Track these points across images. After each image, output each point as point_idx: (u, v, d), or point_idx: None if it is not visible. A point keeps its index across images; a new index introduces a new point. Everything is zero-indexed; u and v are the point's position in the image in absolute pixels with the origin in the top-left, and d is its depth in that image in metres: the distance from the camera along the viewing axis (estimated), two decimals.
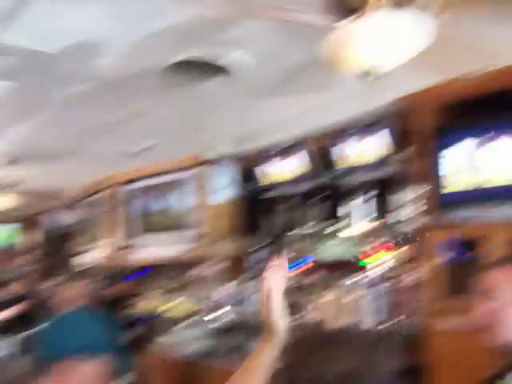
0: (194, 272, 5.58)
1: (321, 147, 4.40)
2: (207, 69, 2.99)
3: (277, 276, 1.28)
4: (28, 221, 9.55)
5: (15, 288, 6.27)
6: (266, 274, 1.29)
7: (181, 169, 5.49)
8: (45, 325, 1.57)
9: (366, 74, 2.30)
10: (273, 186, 4.83)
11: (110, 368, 1.47)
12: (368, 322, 3.79)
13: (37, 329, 2.76)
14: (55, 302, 5.73)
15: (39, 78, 3.20)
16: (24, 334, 3.57)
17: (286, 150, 4.58)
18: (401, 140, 3.77)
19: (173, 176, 5.62)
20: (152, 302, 6.33)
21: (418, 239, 3.68)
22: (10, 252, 10.22)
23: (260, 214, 5.04)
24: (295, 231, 4.77)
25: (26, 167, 5.53)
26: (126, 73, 3.07)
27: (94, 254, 6.85)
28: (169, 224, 5.66)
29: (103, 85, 3.29)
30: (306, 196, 4.64)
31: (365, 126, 3.92)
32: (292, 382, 0.80)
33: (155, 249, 5.79)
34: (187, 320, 5.52)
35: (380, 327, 3.71)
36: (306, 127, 4.25)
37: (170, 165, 5.52)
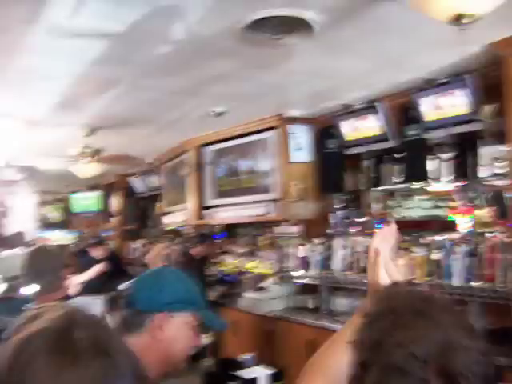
0: (277, 232, 5.65)
1: (404, 102, 4.26)
2: (285, 26, 2.94)
3: (385, 238, 1.26)
4: (113, 187, 9.94)
5: (105, 249, 6.58)
6: (374, 236, 1.28)
7: (260, 130, 5.48)
8: (137, 280, 1.60)
9: (458, 18, 2.18)
10: (356, 143, 4.74)
11: (200, 322, 1.51)
12: (456, 280, 3.71)
13: (127, 286, 2.80)
14: (143, 262, 6.03)
15: (118, 47, 3.27)
16: (114, 292, 3.76)
17: (368, 107, 4.46)
18: (489, 93, 3.55)
19: (252, 137, 5.62)
20: (236, 261, 6.49)
21: (506, 197, 3.52)
22: (97, 216, 10.77)
23: (342, 172, 4.98)
24: (380, 189, 4.70)
25: (107, 136, 5.72)
26: (205, 34, 3.07)
27: (178, 216, 7.06)
28: (249, 185, 5.70)
29: (181, 49, 3.30)
30: (390, 153, 4.53)
31: (450, 79, 3.72)
32: (386, 350, 0.76)
33: (236, 210, 5.88)
34: (271, 278, 5.64)
35: (469, 286, 3.62)
36: (388, 82, 4.11)
37: (249, 126, 5.52)
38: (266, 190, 5.49)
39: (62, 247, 5.89)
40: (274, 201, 5.35)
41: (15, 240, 5.92)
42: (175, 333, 1.45)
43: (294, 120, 5.18)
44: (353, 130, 4.66)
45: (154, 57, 3.46)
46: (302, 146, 5.21)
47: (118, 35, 3.04)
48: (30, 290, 3.81)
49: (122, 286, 3.01)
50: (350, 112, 4.62)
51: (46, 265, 2.52)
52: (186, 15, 2.80)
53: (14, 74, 3.76)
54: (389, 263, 1.22)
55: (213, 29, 3.00)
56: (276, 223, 5.61)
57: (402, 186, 4.46)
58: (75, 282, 3.59)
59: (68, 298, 2.42)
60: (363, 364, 0.79)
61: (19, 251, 3.74)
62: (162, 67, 3.69)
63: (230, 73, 3.82)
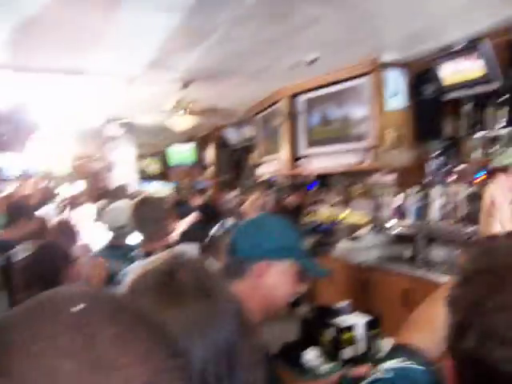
0: (371, 181, 5.55)
1: (509, 40, 3.94)
2: None
3: (502, 188, 1.20)
4: (207, 139, 10.16)
5: (200, 199, 6.79)
6: (490, 185, 1.21)
7: (353, 76, 5.32)
8: (239, 228, 1.62)
9: None
10: (455, 87, 4.47)
11: (300, 269, 1.51)
12: None
13: (217, 231, 2.89)
14: (239, 212, 6.18)
15: (205, 1, 3.27)
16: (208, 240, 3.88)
17: (469, 47, 4.16)
18: None
19: (345, 84, 5.47)
20: (330, 210, 6.49)
21: None
22: (193, 168, 11.11)
23: (439, 118, 4.75)
24: (480, 135, 4.44)
25: (201, 89, 5.81)
26: None
27: (271, 166, 7.12)
28: (343, 133, 5.60)
29: None
30: (493, 96, 4.23)
31: None
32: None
33: (330, 159, 5.82)
34: (365, 227, 5.59)
35: None
36: (491, 19, 3.80)
37: (342, 73, 5.36)
38: (359, 139, 5.37)
39: (163, 198, 6.14)
40: (368, 149, 5.23)
41: (119, 192, 6.27)
42: (276, 280, 1.46)
43: (388, 65, 4.96)
44: (452, 72, 4.39)
45: (245, 6, 3.43)
46: (397, 91, 5.00)
47: None
48: (134, 238, 4.06)
49: (212, 232, 3.10)
50: (449, 53, 4.35)
51: (150, 215, 2.63)
52: None
53: (112, 33, 3.89)
54: (504, 214, 1.15)
55: None
56: (370, 172, 5.50)
57: (506, 131, 4.18)
58: (175, 231, 3.75)
59: (169, 246, 2.54)
60: (459, 325, 0.73)
61: (123, 203, 3.94)
62: (253, 16, 3.66)
63: (322, 18, 3.71)
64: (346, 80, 5.41)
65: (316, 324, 2.40)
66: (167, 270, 0.88)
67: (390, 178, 5.20)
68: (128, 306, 0.50)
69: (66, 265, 2.79)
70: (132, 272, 2.32)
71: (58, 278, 2.75)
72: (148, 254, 2.51)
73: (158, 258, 0.96)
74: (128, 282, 0.91)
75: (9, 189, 12.68)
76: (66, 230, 4.17)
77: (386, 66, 4.96)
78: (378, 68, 4.98)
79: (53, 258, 2.76)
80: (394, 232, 5.21)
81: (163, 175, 13.03)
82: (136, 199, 2.83)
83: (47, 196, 7.64)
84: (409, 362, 0.94)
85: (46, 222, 4.51)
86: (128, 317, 0.46)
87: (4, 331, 0.42)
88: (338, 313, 2.50)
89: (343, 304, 2.62)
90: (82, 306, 0.44)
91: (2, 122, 5.16)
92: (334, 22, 3.84)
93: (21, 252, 3.52)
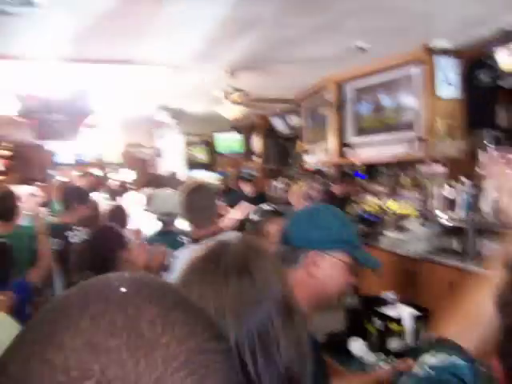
0: (421, 171, 5.44)
1: None
2: None
3: None
4: (255, 127, 10.17)
5: (247, 188, 6.82)
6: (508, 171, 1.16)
7: (404, 64, 5.20)
8: (293, 217, 1.61)
9: None
10: (510, 74, 4.32)
11: (350, 259, 1.49)
12: None
13: (262, 220, 2.86)
14: (286, 200, 6.18)
15: None
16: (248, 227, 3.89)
17: None
18: None
19: (396, 72, 5.36)
20: (377, 200, 6.41)
21: None
22: (240, 156, 11.17)
23: (495, 107, 4.60)
24: None
25: (249, 77, 5.82)
26: None
27: (319, 155, 7.08)
28: (393, 122, 5.50)
29: None
30: None
31: None
32: None
33: (379, 148, 5.74)
34: (414, 218, 5.49)
35: None
36: None
37: (393, 60, 5.25)
38: (410, 128, 5.26)
39: (213, 186, 6.22)
40: (419, 139, 5.12)
41: (168, 179, 6.38)
42: (329, 270, 1.45)
43: (441, 52, 4.82)
44: (510, 58, 4.24)
45: None
46: (450, 79, 4.87)
47: None
48: (184, 224, 4.13)
49: (250, 217, 3.09)
50: (505, 38, 4.19)
51: (201, 201, 2.66)
52: None
53: (162, 22, 3.95)
54: None
55: None
56: (420, 162, 5.39)
57: None
58: (229, 217, 3.77)
59: (216, 233, 2.56)
60: (508, 330, 0.69)
61: (171, 190, 4.03)
62: (302, 3, 3.63)
63: (372, 4, 3.65)
64: (397, 68, 5.31)
65: (362, 314, 2.39)
66: (213, 254, 0.91)
67: (441, 168, 5.08)
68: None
69: (121, 248, 2.90)
70: (181, 257, 2.36)
71: (113, 261, 2.85)
72: (196, 241, 2.54)
73: (207, 244, 0.99)
74: (179, 267, 0.96)
75: (62, 175, 13.09)
76: (119, 216, 4.29)
77: (438, 53, 4.83)
78: (430, 55, 4.86)
79: (109, 241, 2.84)
80: (444, 224, 5.10)
81: (210, 163, 13.16)
82: (187, 185, 2.86)
83: (99, 182, 7.86)
84: (452, 358, 0.93)
85: (98, 207, 4.65)
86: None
87: (57, 309, 0.46)
88: (384, 304, 2.48)
89: (390, 295, 2.59)
90: (127, 287, 0.48)
91: (55, 111, 5.33)
92: (385, 8, 3.76)
93: (76, 235, 3.65)
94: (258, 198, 6.26)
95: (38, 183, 7.77)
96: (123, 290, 0.47)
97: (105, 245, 2.81)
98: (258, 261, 0.91)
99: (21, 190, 5.04)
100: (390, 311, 2.31)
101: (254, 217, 2.59)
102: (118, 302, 0.46)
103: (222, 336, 0.51)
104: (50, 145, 5.74)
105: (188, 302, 0.51)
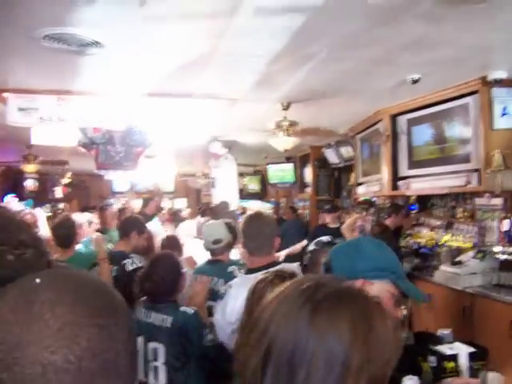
0: (477, 203, 5.31)
1: None
2: None
3: None
4: (308, 158, 10.21)
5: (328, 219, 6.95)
6: None
7: (458, 95, 5.14)
8: (335, 249, 1.61)
9: None
10: None
11: (398, 292, 1.48)
12: None
13: (321, 251, 2.87)
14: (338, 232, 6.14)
15: (315, 22, 3.34)
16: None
17: None
18: None
19: (450, 103, 5.29)
20: (432, 233, 6.28)
21: None
22: (292, 187, 11.21)
23: None
24: None
25: (303, 109, 5.88)
26: (398, 2, 2.99)
27: (371, 186, 7.03)
28: (448, 154, 5.40)
29: (376, 17, 3.26)
30: None
31: None
32: None
33: (433, 180, 5.64)
34: (470, 252, 5.34)
35: None
36: None
37: (447, 92, 5.20)
38: (465, 159, 5.16)
39: (271, 215, 6.32)
40: (475, 170, 5.01)
41: (220, 209, 6.47)
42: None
43: (498, 82, 4.73)
44: None
45: (349, 28, 3.47)
46: (507, 110, 4.77)
47: (315, 9, 3.12)
48: (234, 254, 4.17)
49: (309, 250, 3.09)
50: None
51: (261, 230, 2.68)
52: None
53: (219, 57, 4.08)
54: None
55: None
56: (476, 194, 5.27)
57: None
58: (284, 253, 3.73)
59: (272, 264, 2.56)
60: None
61: (222, 219, 4.08)
62: (356, 37, 3.68)
63: (427, 37, 3.66)
64: (451, 99, 5.25)
65: (416, 351, 2.33)
66: (309, 289, 0.89)
67: (499, 200, 4.94)
68: (81, 281, 0.71)
69: (179, 275, 2.98)
70: (236, 286, 2.39)
71: (172, 288, 2.92)
72: (251, 270, 2.55)
73: (267, 273, 0.99)
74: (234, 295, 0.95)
75: (119, 203, 13.46)
76: (174, 244, 4.39)
77: (495, 83, 4.75)
78: (486, 86, 4.79)
79: (168, 268, 2.94)
80: (501, 258, 4.93)
81: (262, 193, 13.28)
82: (247, 214, 2.90)
83: (154, 211, 8.06)
84: None
85: (154, 235, 4.77)
86: (70, 287, 0.67)
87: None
88: (439, 340, 2.41)
89: (445, 331, 2.52)
90: (42, 279, 0.67)
91: (117, 143, 5.56)
92: (439, 41, 3.76)
93: (133, 263, 3.75)
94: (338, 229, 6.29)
95: (96, 211, 8.05)
96: (37, 280, 0.67)
97: (165, 271, 2.90)
98: (351, 303, 0.89)
99: (80, 218, 5.25)
100: (445, 349, 2.25)
101: (312, 248, 2.60)
102: (27, 289, 0.65)
103: (107, 314, 0.67)
104: (108, 175, 5.96)
105: (88, 290, 0.69)
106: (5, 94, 5.00)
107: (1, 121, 5.36)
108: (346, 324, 0.83)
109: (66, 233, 4.09)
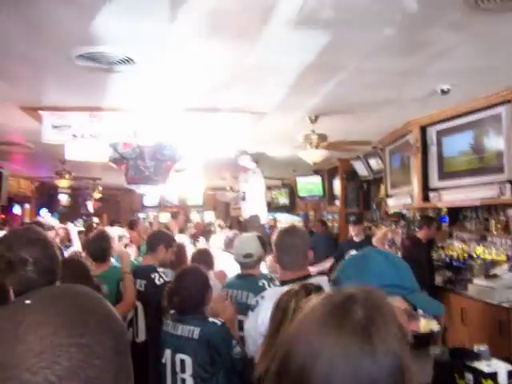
0: (510, 215, 5.20)
1: None
2: None
3: None
4: (337, 170, 10.16)
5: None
6: None
7: (490, 105, 5.06)
8: (343, 263, 1.56)
9: None
10: None
11: (410, 306, 1.42)
12: None
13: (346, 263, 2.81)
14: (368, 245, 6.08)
15: (342, 34, 3.34)
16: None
17: None
18: None
19: (481, 114, 5.21)
20: (464, 245, 6.17)
21: None
22: (321, 200, 11.16)
23: None
24: None
25: (331, 121, 5.87)
26: (430, 9, 2.97)
27: (401, 199, 6.95)
28: (479, 165, 5.30)
29: (404, 28, 3.25)
30: None
31: None
32: None
33: (465, 191, 5.53)
34: (505, 264, 5.23)
35: None
36: None
37: (479, 102, 5.13)
38: (498, 170, 5.05)
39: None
40: (509, 182, 4.91)
41: (250, 222, 6.48)
42: None
43: None
44: None
45: (376, 39, 3.46)
46: None
47: (343, 21, 3.12)
48: (264, 267, 4.15)
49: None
50: None
51: (294, 243, 2.68)
52: None
53: (248, 71, 4.12)
54: None
55: (438, 3, 2.88)
56: (510, 206, 5.16)
57: None
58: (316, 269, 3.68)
59: (303, 277, 2.54)
60: None
61: (252, 233, 4.08)
62: (385, 49, 3.66)
63: (458, 47, 3.62)
64: (482, 109, 5.17)
65: (452, 367, 2.29)
66: (340, 304, 0.88)
67: None
68: (72, 302, 0.73)
69: (206, 289, 2.98)
70: (268, 299, 2.38)
71: (200, 301, 2.92)
72: (284, 283, 2.54)
73: (293, 286, 0.97)
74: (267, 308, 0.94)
75: (148, 217, 13.58)
76: (205, 258, 4.41)
77: None
78: None
79: (194, 282, 2.95)
80: None
81: (291, 206, 13.26)
82: (281, 228, 2.90)
83: (183, 225, 8.12)
84: None
85: (182, 249, 4.80)
86: (59, 309, 0.70)
87: None
88: (476, 357, 2.36)
89: (482, 347, 2.47)
90: (32, 301, 0.70)
91: (147, 158, 5.63)
92: (470, 50, 3.72)
93: (162, 277, 3.77)
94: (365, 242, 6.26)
95: (125, 225, 8.15)
96: (27, 302, 0.70)
97: (193, 285, 2.91)
98: (385, 316, 0.88)
99: (111, 232, 5.33)
100: (483, 366, 2.19)
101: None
102: (16, 311, 0.69)
103: (91, 333, 0.69)
104: (139, 189, 6.05)
105: (76, 310, 0.71)
106: (40, 112, 5.14)
107: (36, 138, 5.50)
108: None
109: (100, 247, 4.15)
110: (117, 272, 3.86)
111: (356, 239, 6.93)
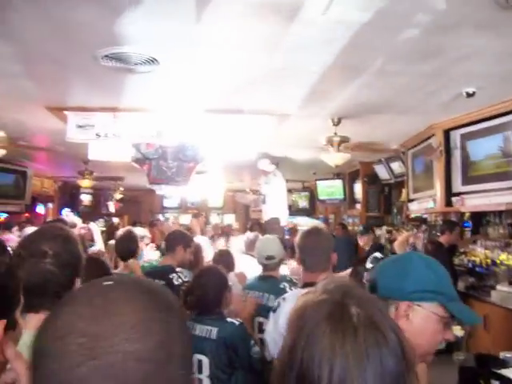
0: None
1: None
2: None
3: None
4: (358, 174, 10.10)
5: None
6: None
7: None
8: (382, 265, 1.54)
9: None
10: None
11: (447, 314, 1.40)
12: None
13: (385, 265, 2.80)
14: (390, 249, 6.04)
15: (365, 36, 3.32)
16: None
17: None
18: None
19: (508, 117, 5.12)
20: (488, 251, 6.08)
21: None
22: (341, 203, 11.10)
23: None
24: None
25: (354, 124, 5.84)
26: (455, 10, 2.93)
27: (424, 203, 6.87)
28: (505, 169, 5.20)
29: (428, 29, 3.21)
30: None
31: None
32: None
33: (490, 196, 5.44)
34: None
35: None
36: None
37: (505, 105, 5.03)
38: None
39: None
40: None
41: (272, 224, 6.48)
42: (422, 324, 1.36)
43: None
44: None
45: (400, 41, 3.42)
46: None
47: (364, 23, 3.10)
48: (285, 270, 4.14)
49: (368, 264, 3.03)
50: None
51: (318, 245, 2.65)
52: None
53: (270, 72, 4.11)
54: None
55: (466, 2, 2.84)
56: None
57: None
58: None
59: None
60: None
61: (273, 235, 4.08)
62: (408, 51, 3.62)
63: (485, 49, 3.56)
64: (507, 113, 5.08)
65: (478, 374, 2.25)
66: (339, 301, 0.91)
67: None
68: (143, 285, 0.79)
69: (223, 289, 2.96)
70: (290, 300, 2.37)
71: (216, 301, 2.90)
72: (306, 285, 2.52)
73: (319, 288, 0.99)
74: (297, 308, 0.97)
75: (168, 218, 13.66)
76: (226, 259, 4.41)
77: None
78: None
79: (212, 282, 2.93)
80: None
81: (311, 210, 13.21)
82: (305, 229, 2.87)
83: (202, 226, 8.14)
84: None
85: (199, 249, 4.81)
86: (137, 288, 0.76)
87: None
88: (502, 363, 2.31)
89: (508, 354, 2.42)
90: (111, 281, 0.77)
91: (170, 158, 5.66)
92: (498, 52, 3.66)
93: (180, 278, 3.78)
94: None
95: (146, 226, 8.21)
96: (107, 283, 0.76)
97: (209, 286, 2.90)
98: (384, 315, 0.92)
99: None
100: (510, 373, 2.14)
101: (369, 265, 2.55)
102: (101, 289, 0.74)
103: (171, 312, 0.75)
104: (161, 189, 6.09)
105: (152, 291, 0.77)
106: (65, 112, 5.20)
107: (60, 137, 5.57)
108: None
109: (127, 246, 4.20)
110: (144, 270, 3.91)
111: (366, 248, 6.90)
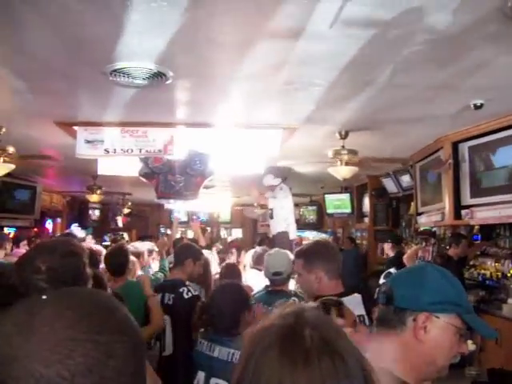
0: None
1: None
2: None
3: None
4: (366, 187, 10.07)
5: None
6: None
7: None
8: (397, 276, 1.55)
9: None
10: None
11: (464, 326, 1.39)
12: None
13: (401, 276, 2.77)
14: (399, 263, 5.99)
15: (372, 48, 3.32)
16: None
17: None
18: None
19: None
20: (498, 264, 6.02)
21: None
22: (349, 217, 11.07)
23: None
24: None
25: (361, 137, 5.83)
26: (464, 22, 2.92)
27: (433, 216, 6.82)
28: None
29: (436, 41, 3.20)
30: None
31: None
32: None
33: (499, 208, 5.39)
34: None
35: None
36: None
37: (510, 118, 5.02)
38: None
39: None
40: None
41: (280, 238, 6.45)
42: (439, 336, 1.35)
43: None
44: None
45: (408, 54, 3.42)
46: None
47: (372, 36, 3.11)
48: (293, 285, 4.11)
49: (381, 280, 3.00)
50: None
51: (329, 258, 2.63)
52: (443, 5, 2.71)
53: (277, 86, 4.12)
54: None
55: (475, 14, 2.84)
56: None
57: None
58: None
59: (336, 295, 2.50)
60: None
61: (281, 249, 4.06)
62: (416, 63, 3.62)
63: (495, 60, 3.55)
64: None
65: None
66: (291, 324, 0.85)
67: None
68: (85, 299, 0.74)
69: (243, 308, 2.81)
70: None
71: (234, 321, 2.74)
72: (317, 298, 2.48)
73: (275, 313, 0.93)
74: (249, 334, 0.89)
75: (164, 233, 13.59)
76: (233, 273, 4.39)
77: None
78: None
79: (229, 300, 2.79)
80: None
81: (319, 223, 13.17)
82: (313, 241, 2.85)
83: (211, 240, 8.13)
84: None
85: (206, 263, 4.79)
86: (71, 304, 0.70)
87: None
88: None
89: None
90: (48, 296, 0.71)
91: (177, 172, 5.67)
92: (502, 65, 3.65)
93: (188, 291, 3.76)
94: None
95: (154, 240, 8.20)
96: (43, 297, 0.70)
97: (225, 306, 2.75)
98: (341, 337, 0.85)
99: (140, 246, 5.35)
100: None
101: (382, 280, 2.52)
102: (32, 304, 0.69)
103: (108, 332, 0.68)
104: (169, 204, 6.10)
105: (92, 306, 0.71)
106: (75, 128, 5.23)
107: (68, 152, 5.59)
108: None
109: (117, 262, 4.13)
110: (133, 286, 3.85)
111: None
